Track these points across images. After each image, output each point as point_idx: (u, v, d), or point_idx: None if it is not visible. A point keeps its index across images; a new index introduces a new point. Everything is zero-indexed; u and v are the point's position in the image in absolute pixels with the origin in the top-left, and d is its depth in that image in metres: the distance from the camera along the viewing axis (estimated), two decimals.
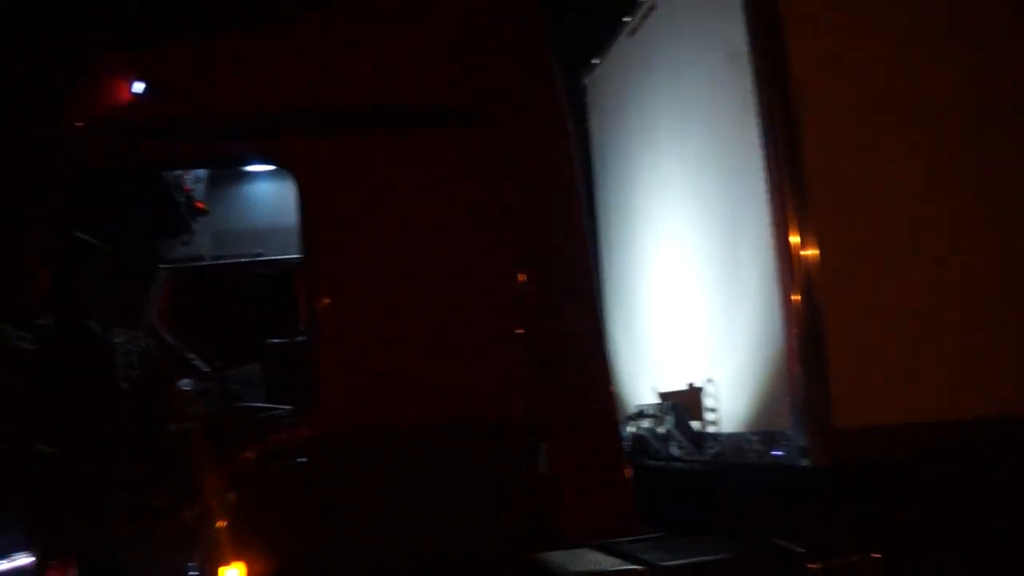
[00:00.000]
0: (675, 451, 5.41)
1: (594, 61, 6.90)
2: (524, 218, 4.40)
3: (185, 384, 4.66)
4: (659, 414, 5.49)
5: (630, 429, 5.58)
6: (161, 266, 5.94)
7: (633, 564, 4.43)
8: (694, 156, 5.35)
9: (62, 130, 4.15)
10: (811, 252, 4.41)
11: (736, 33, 4.70)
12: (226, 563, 3.90)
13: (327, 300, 4.23)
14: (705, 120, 5.24)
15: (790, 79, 4.50)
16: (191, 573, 4.03)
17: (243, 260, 6.27)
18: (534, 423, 4.27)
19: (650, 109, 5.89)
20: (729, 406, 5.02)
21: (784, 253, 4.43)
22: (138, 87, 4.11)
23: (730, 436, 5.00)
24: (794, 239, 4.41)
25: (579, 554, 4.51)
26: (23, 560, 4.01)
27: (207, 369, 5.06)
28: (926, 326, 4.55)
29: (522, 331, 4.33)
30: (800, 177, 4.43)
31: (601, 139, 6.74)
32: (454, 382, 4.23)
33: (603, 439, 4.48)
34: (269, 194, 6.72)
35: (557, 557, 4.41)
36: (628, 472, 4.45)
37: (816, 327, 4.37)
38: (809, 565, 4.54)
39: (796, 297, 4.40)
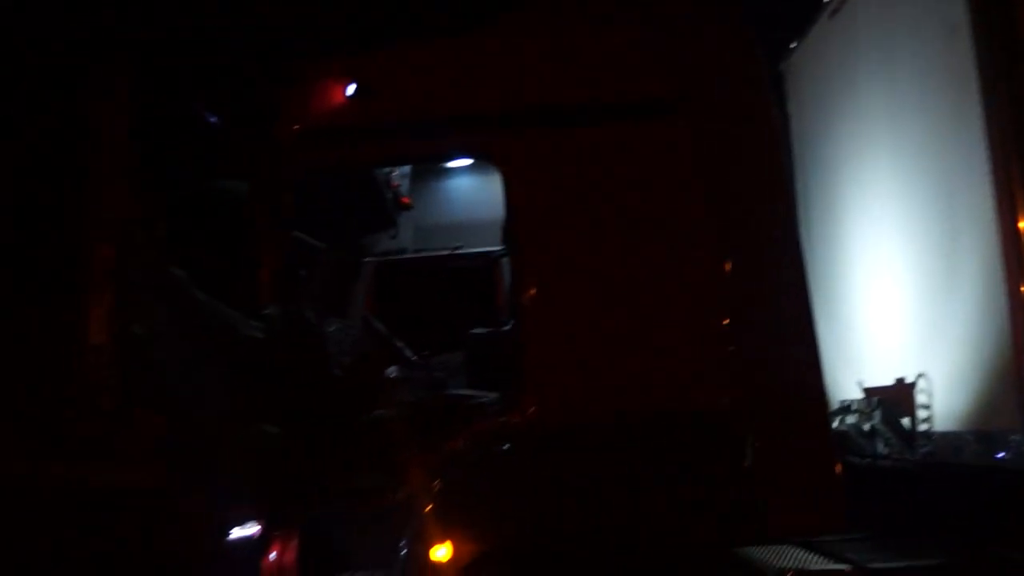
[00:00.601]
0: (882, 449, 5.20)
1: (792, 45, 6.69)
2: (731, 209, 4.34)
3: (393, 371, 4.90)
4: (865, 410, 5.30)
5: (834, 425, 5.40)
6: (370, 259, 6.27)
7: (839, 563, 4.31)
8: (907, 139, 5.12)
9: (290, 134, 4.47)
10: None
11: (955, 4, 4.46)
12: (435, 543, 4.07)
13: (534, 291, 4.32)
14: (919, 100, 5.00)
15: (1018, 51, 4.22)
16: (401, 551, 4.25)
17: (445, 252, 6.52)
18: (742, 416, 4.21)
19: (855, 92, 5.67)
20: (943, 403, 4.81)
21: (1011, 239, 4.20)
22: (357, 90, 4.36)
23: (944, 435, 4.79)
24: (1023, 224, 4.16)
25: (783, 551, 4.43)
26: (254, 529, 4.35)
27: (414, 357, 5.30)
28: None
29: (730, 323, 4.28)
30: None
31: (801, 127, 6.55)
32: (660, 374, 4.23)
33: (812, 434, 4.35)
34: (467, 189, 6.95)
35: (761, 553, 4.34)
36: (838, 468, 4.31)
37: None
38: None
39: None
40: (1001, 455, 4.33)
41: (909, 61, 5.06)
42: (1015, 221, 4.18)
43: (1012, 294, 4.19)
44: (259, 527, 4.36)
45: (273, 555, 4.36)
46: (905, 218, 5.13)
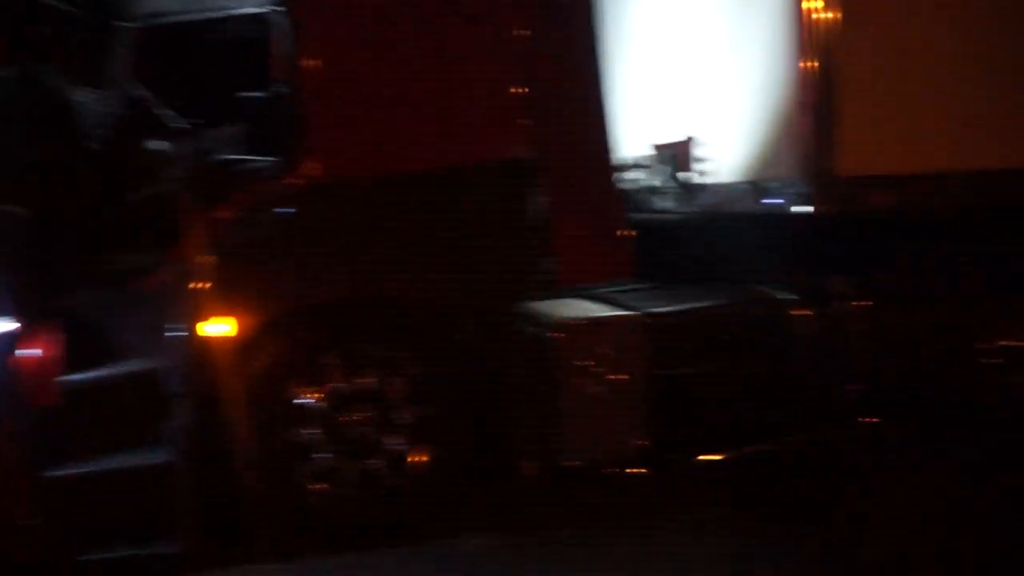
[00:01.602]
0: (666, 203, 5.35)
1: None
2: None
3: (158, 143, 4.48)
4: (652, 165, 5.39)
5: (624, 180, 5.49)
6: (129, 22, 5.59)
7: (623, 310, 4.48)
8: None
9: None
10: (832, 15, 4.29)
11: None
12: (212, 318, 3.91)
13: (313, 52, 4.08)
14: None
15: None
16: (172, 331, 4.06)
17: (215, 14, 5.90)
18: (529, 170, 4.19)
19: None
20: (725, 158, 4.94)
21: (805, 14, 4.30)
22: None
23: (724, 186, 4.95)
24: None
25: (570, 303, 4.55)
26: (10, 324, 4.02)
27: (183, 127, 4.87)
28: (927, 85, 4.52)
29: (518, 78, 4.18)
30: None
31: None
32: (448, 129, 4.12)
33: (599, 187, 4.43)
34: None
35: (547, 305, 4.44)
36: (623, 220, 4.41)
37: (828, 82, 4.33)
38: (800, 312, 4.61)
39: (809, 54, 4.33)
40: (771, 201, 4.55)
41: None
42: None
43: (801, 63, 4.34)
44: (17, 321, 4.03)
45: (32, 350, 4.05)
46: None
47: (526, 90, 4.26)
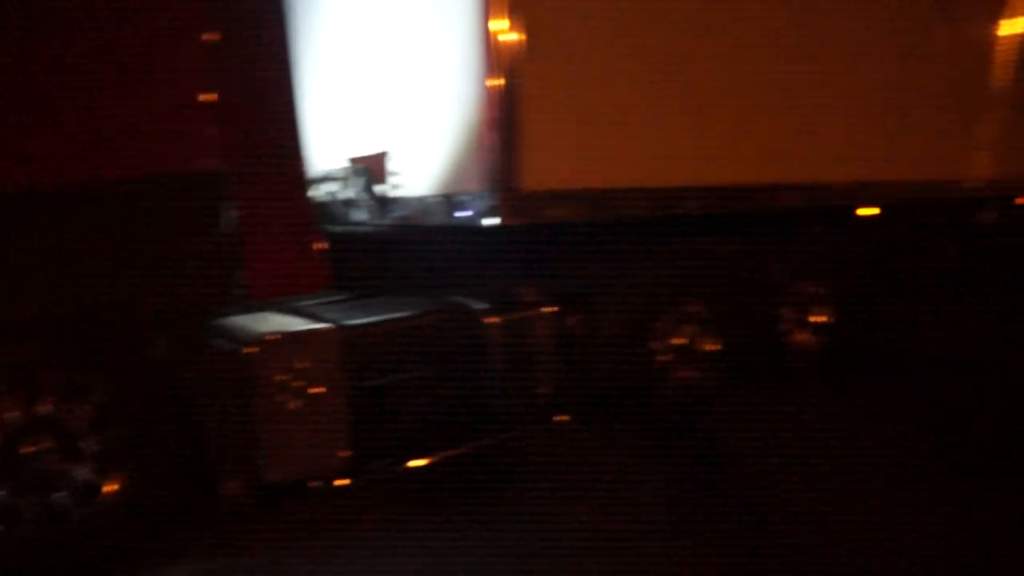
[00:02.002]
0: (361, 216, 5.40)
1: None
2: None
3: None
4: (346, 178, 5.41)
5: (318, 193, 5.46)
6: None
7: (318, 323, 4.46)
8: None
9: None
10: (515, 36, 4.50)
11: None
12: None
13: None
14: None
15: None
16: None
17: None
18: (222, 182, 4.02)
19: None
20: (417, 172, 5.06)
21: (491, 34, 4.48)
22: None
23: (416, 199, 5.07)
24: (502, 24, 4.46)
25: (264, 316, 4.45)
26: None
27: None
28: (606, 107, 4.92)
29: (209, 90, 3.99)
30: None
31: None
32: (139, 138, 3.82)
33: (293, 200, 4.34)
34: None
35: (242, 320, 4.31)
36: (317, 233, 4.38)
37: (512, 100, 4.54)
38: (493, 319, 4.86)
39: (495, 73, 4.51)
40: (463, 214, 4.76)
41: None
42: (487, 21, 4.46)
43: (487, 81, 4.52)
44: None
45: None
46: (399, 9, 5.17)
47: (215, 99, 4.07)
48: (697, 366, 5.86)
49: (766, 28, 5.61)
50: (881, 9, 6.30)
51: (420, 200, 5.04)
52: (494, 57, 4.52)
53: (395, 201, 5.19)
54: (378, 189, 5.24)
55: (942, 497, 4.44)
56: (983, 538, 4.00)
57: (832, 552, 3.92)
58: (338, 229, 5.32)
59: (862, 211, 7.13)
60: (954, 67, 7.26)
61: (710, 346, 5.88)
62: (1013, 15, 7.59)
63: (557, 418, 5.13)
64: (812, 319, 6.84)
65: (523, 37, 4.53)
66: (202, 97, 4.02)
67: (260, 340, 4.17)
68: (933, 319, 7.91)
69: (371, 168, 5.30)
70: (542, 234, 4.94)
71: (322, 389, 4.25)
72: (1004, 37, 7.98)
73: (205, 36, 4.02)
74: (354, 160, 5.43)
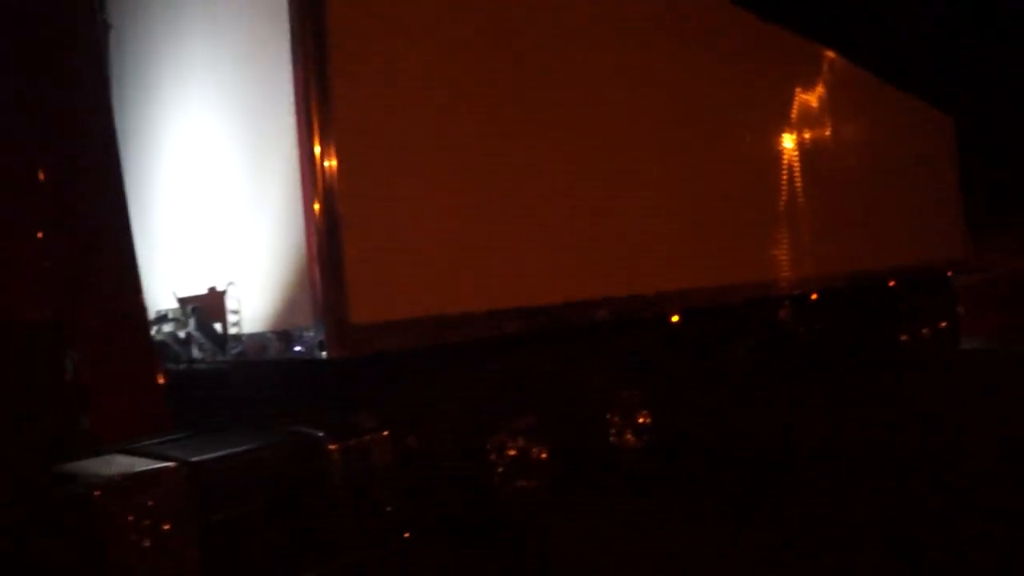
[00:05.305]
0: (197, 353, 5.53)
1: None
2: (47, 118, 4.11)
3: None
4: (181, 317, 5.55)
5: (158, 333, 5.57)
6: None
7: (164, 462, 4.55)
8: (223, 66, 5.41)
9: None
10: (333, 163, 4.82)
11: None
12: None
13: None
14: (235, 33, 5.31)
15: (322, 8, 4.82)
16: None
17: None
18: (59, 329, 4.11)
19: (177, 11, 5.74)
20: (251, 308, 5.28)
21: (308, 164, 4.79)
22: None
23: (252, 336, 5.28)
24: (317, 151, 4.78)
25: (110, 460, 4.50)
26: None
27: None
28: (430, 235, 5.33)
29: (43, 235, 4.10)
30: (326, 95, 4.79)
31: (121, 41, 6.31)
32: None
33: (132, 343, 4.45)
34: None
35: (87, 465, 4.36)
36: (159, 375, 4.51)
37: (335, 233, 4.83)
38: (334, 446, 5.07)
39: (317, 205, 4.80)
40: (298, 349, 5.01)
41: None
42: (311, 146, 4.77)
43: (307, 212, 4.81)
44: None
45: None
46: (219, 141, 5.43)
47: (50, 242, 4.14)
48: (534, 474, 6.24)
49: (581, 161, 6.30)
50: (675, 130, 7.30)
51: (257, 336, 5.22)
52: (313, 185, 4.75)
53: (232, 338, 5.35)
54: (217, 326, 5.41)
55: None
56: None
57: None
58: (178, 367, 5.44)
59: (674, 317, 7.88)
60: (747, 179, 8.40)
61: (544, 455, 6.30)
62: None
63: (405, 536, 5.34)
64: (638, 420, 7.43)
65: (337, 163, 4.79)
66: (33, 243, 4.11)
67: (105, 483, 4.22)
68: (737, 414, 8.73)
69: (208, 305, 5.45)
70: (374, 362, 5.19)
71: (169, 526, 4.31)
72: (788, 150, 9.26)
73: (35, 179, 4.12)
74: (191, 298, 5.59)
